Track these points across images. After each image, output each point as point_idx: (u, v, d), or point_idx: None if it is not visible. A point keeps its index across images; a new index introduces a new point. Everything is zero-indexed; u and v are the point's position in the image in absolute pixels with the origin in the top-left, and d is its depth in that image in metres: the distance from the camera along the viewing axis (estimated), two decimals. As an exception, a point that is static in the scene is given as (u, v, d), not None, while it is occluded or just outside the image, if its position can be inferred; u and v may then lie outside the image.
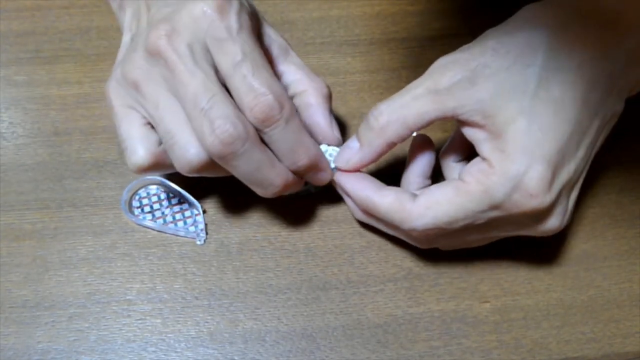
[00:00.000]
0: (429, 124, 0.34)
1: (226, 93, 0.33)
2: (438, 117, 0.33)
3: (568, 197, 0.34)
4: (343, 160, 0.36)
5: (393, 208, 0.34)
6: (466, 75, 0.33)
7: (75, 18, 0.47)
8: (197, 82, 0.32)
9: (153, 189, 0.40)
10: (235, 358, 0.35)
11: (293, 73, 0.37)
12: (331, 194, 0.40)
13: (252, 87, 0.32)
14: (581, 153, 0.33)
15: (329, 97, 0.37)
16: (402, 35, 0.47)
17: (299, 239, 0.39)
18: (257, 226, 0.39)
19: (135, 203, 0.39)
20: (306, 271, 0.38)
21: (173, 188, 0.39)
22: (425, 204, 0.33)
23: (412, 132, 0.34)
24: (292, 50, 0.38)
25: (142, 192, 0.40)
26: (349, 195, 0.37)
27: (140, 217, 0.39)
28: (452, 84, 0.33)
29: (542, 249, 0.39)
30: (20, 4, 0.47)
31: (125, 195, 0.39)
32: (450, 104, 0.33)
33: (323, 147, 0.37)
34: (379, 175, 0.36)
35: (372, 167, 0.38)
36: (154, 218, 0.39)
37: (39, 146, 0.41)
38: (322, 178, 0.36)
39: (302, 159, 0.34)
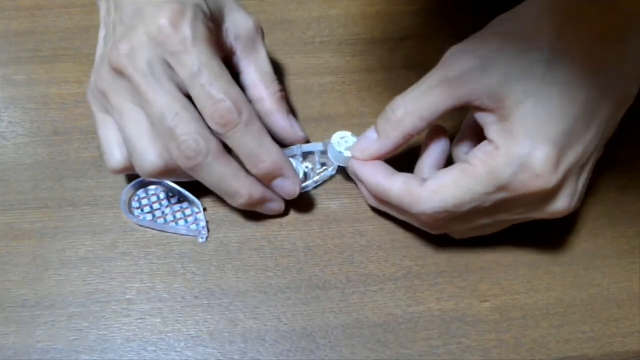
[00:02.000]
0: (445, 114, 0.34)
1: (190, 107, 0.35)
2: (452, 106, 0.34)
3: (577, 178, 0.34)
4: (359, 149, 0.37)
5: (402, 193, 0.35)
6: (476, 62, 0.33)
7: (75, 17, 0.47)
8: (161, 102, 0.34)
9: (152, 188, 0.40)
10: (235, 357, 0.35)
11: (251, 76, 0.39)
12: (331, 193, 0.40)
13: (211, 95, 0.34)
14: (590, 135, 0.33)
15: (284, 100, 0.40)
16: (402, 35, 0.47)
17: (299, 238, 0.39)
18: (256, 225, 0.39)
19: (135, 204, 0.39)
20: (306, 270, 0.38)
21: (172, 187, 0.39)
22: (433, 188, 0.34)
23: (428, 124, 0.35)
24: (260, 43, 0.40)
25: (142, 193, 0.40)
26: (361, 182, 0.37)
27: (141, 217, 0.39)
28: (463, 72, 0.33)
29: (542, 248, 0.39)
30: (20, 4, 0.47)
31: (125, 196, 0.39)
32: (462, 92, 0.33)
33: (340, 134, 0.38)
34: (394, 164, 0.37)
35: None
36: (154, 218, 0.39)
37: (39, 145, 0.41)
38: (289, 189, 0.37)
39: (264, 162, 0.35)
